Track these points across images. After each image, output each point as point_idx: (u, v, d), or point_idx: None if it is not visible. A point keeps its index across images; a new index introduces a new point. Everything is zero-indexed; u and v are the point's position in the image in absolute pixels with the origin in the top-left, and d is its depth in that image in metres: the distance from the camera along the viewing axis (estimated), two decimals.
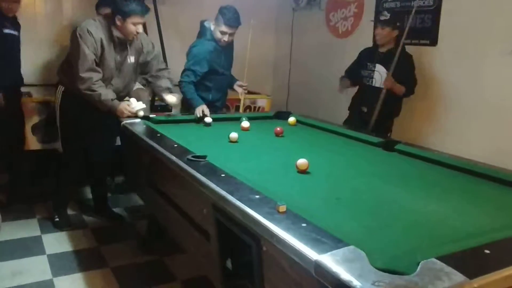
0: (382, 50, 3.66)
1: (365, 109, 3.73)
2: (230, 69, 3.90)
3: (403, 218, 1.66)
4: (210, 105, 3.76)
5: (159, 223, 2.96)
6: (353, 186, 2.01)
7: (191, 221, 2.08)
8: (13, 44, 3.80)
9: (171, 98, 3.35)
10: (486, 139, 3.47)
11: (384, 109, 3.57)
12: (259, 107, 4.87)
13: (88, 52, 3.09)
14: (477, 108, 3.54)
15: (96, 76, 3.12)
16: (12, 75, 3.81)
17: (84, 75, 3.09)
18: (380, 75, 3.63)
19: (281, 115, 3.56)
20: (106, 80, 3.25)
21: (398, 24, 3.60)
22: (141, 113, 3.14)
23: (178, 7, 4.58)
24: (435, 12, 3.79)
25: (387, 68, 3.55)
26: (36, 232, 3.47)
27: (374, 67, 3.67)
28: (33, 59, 4.21)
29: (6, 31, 3.71)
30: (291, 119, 3.32)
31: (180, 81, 3.66)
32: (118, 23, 3.15)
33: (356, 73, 3.82)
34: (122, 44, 3.27)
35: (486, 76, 3.49)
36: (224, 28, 3.54)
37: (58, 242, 3.33)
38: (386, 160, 2.50)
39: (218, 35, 3.59)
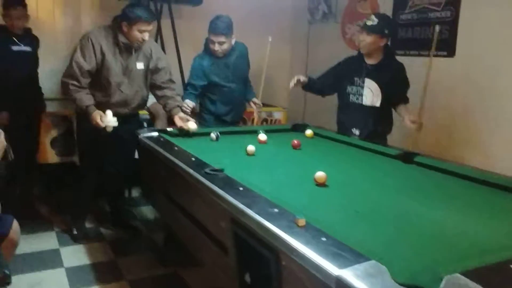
0: (371, 62, 3.25)
1: (357, 132, 3.32)
2: (239, 81, 3.83)
3: (423, 232, 1.63)
4: (218, 119, 3.77)
5: (176, 236, 2.95)
6: (372, 199, 1.98)
7: (208, 234, 2.07)
8: (26, 61, 3.76)
9: (192, 125, 3.19)
10: (507, 150, 3.40)
11: (377, 129, 3.28)
12: (275, 120, 4.88)
13: (78, 60, 3.15)
14: (498, 120, 3.49)
15: (73, 81, 3.18)
16: (26, 94, 3.79)
17: (63, 79, 3.23)
18: (371, 91, 3.22)
19: (298, 128, 3.55)
20: (115, 87, 3.30)
21: (386, 32, 3.16)
22: (110, 129, 3.13)
23: (195, 21, 4.62)
24: (453, 23, 3.77)
25: (379, 84, 3.19)
26: (54, 245, 3.49)
27: (363, 82, 3.25)
28: (52, 73, 4.27)
29: (15, 48, 3.68)
30: (308, 132, 3.31)
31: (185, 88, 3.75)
32: (124, 29, 3.19)
33: (327, 86, 3.48)
34: (128, 50, 3.28)
35: (506, 87, 3.44)
36: (210, 36, 3.54)
37: (75, 255, 3.34)
38: (405, 172, 2.47)
39: (210, 46, 3.59)
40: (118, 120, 3.15)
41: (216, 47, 3.56)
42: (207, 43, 3.63)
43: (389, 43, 3.33)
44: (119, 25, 3.21)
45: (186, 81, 4.35)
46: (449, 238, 1.58)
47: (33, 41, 3.87)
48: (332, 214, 1.75)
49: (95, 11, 4.85)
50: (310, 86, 3.50)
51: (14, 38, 3.71)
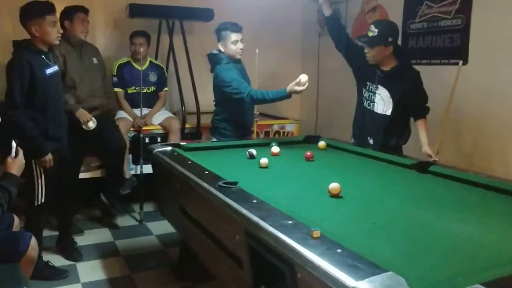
0: (384, 68, 3.16)
1: (371, 141, 3.28)
2: None
3: (441, 243, 1.61)
4: (245, 127, 3.76)
5: (190, 250, 2.95)
6: (387, 210, 1.96)
7: (223, 247, 2.07)
8: (57, 83, 3.30)
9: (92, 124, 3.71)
10: None
11: (390, 142, 3.21)
12: (288, 132, 4.88)
13: None
14: None
15: None
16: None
17: None
18: (382, 99, 3.17)
19: (311, 139, 3.54)
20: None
21: (390, 39, 3.05)
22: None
23: (206, 37, 4.67)
24: (464, 31, 3.75)
25: (391, 92, 3.12)
26: (71, 260, 3.51)
27: (376, 88, 3.20)
28: None
29: (49, 71, 3.13)
30: (321, 143, 3.30)
31: (244, 97, 3.31)
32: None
33: (343, 36, 3.36)
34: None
35: None
36: (234, 36, 3.50)
37: (92, 271, 3.36)
38: (420, 182, 2.45)
39: (232, 48, 3.52)
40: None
41: (241, 45, 3.54)
42: (218, 57, 3.58)
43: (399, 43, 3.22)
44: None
45: (198, 94, 4.40)
46: (467, 249, 1.56)
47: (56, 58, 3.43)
48: (347, 226, 1.74)
49: (109, 29, 4.93)
50: (333, 21, 3.39)
51: (45, 59, 3.14)
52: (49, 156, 3.09)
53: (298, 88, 3.03)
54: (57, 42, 3.16)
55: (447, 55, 3.86)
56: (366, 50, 3.13)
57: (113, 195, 4.25)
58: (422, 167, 2.63)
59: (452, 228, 1.76)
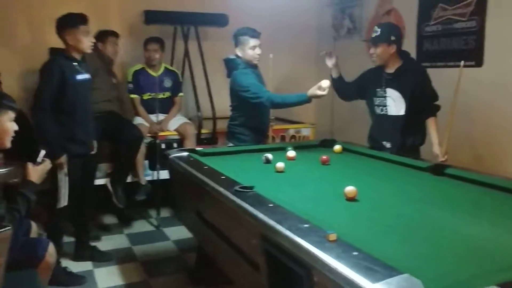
0: (389, 71, 3.21)
1: (388, 145, 3.27)
2: None
3: (457, 245, 1.60)
4: (262, 132, 3.78)
5: (207, 255, 2.97)
6: (403, 213, 1.96)
7: (239, 252, 2.08)
8: (87, 91, 3.40)
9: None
10: None
11: (407, 141, 3.21)
12: (303, 136, 4.88)
13: None
14: None
15: None
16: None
17: None
18: (393, 100, 3.19)
19: (327, 143, 3.54)
20: None
21: (393, 38, 3.12)
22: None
23: (221, 42, 4.72)
24: (479, 33, 3.73)
25: (400, 91, 3.14)
26: (88, 266, 3.55)
27: (385, 92, 3.22)
28: None
29: (80, 77, 3.26)
30: (337, 147, 3.30)
31: (263, 101, 3.32)
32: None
33: (349, 90, 3.48)
34: None
35: None
36: (253, 42, 3.51)
37: (109, 276, 3.39)
38: (436, 185, 2.43)
39: (250, 53, 3.52)
40: None
41: (259, 51, 3.55)
42: (235, 63, 3.61)
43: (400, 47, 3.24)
44: None
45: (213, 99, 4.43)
46: (484, 251, 1.55)
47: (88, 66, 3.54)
48: (363, 229, 1.74)
49: (125, 36, 4.99)
50: (339, 81, 3.51)
51: (76, 65, 3.28)
52: (63, 160, 3.20)
53: (319, 93, 3.03)
54: (89, 50, 3.33)
55: (462, 58, 3.83)
56: (371, 51, 3.20)
57: (117, 187, 4.15)
58: (438, 169, 2.62)
59: (468, 229, 1.75)
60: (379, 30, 3.14)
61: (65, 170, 3.23)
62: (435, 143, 3.11)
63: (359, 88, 3.44)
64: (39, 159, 2.46)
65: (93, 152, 3.55)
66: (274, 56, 3.73)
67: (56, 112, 3.18)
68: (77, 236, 3.70)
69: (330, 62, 3.53)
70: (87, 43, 3.25)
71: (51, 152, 3.09)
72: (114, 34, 4.33)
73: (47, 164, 2.51)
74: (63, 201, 3.24)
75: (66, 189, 3.24)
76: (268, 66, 3.78)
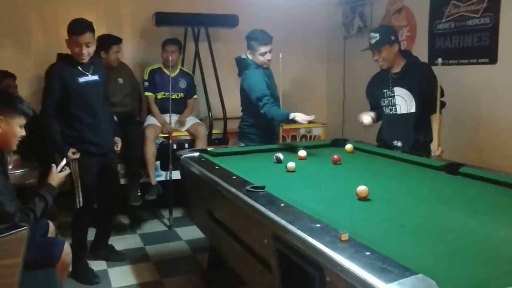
0: (395, 71, 3.23)
1: (398, 143, 3.28)
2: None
3: (472, 245, 1.58)
4: (273, 132, 3.77)
5: (220, 255, 2.97)
6: (417, 212, 1.94)
7: (251, 252, 2.08)
8: (96, 93, 3.34)
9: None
10: None
11: (419, 139, 3.20)
12: (315, 136, 4.87)
13: None
14: None
15: None
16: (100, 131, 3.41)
17: None
18: (403, 98, 3.20)
19: (338, 143, 3.53)
20: None
21: (393, 38, 3.15)
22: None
23: (231, 43, 4.73)
24: (493, 29, 3.68)
25: (408, 88, 3.15)
26: (103, 266, 3.58)
27: (393, 92, 3.24)
28: None
29: (83, 80, 3.25)
30: (348, 146, 3.28)
31: (263, 113, 3.43)
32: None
33: (375, 106, 3.44)
34: None
35: None
36: (263, 49, 3.54)
37: (123, 276, 3.42)
38: (450, 184, 2.40)
39: (260, 59, 3.57)
40: None
41: (269, 56, 3.59)
42: (246, 62, 3.62)
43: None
44: None
45: (224, 100, 4.43)
46: (500, 251, 1.52)
47: (101, 70, 3.49)
48: (375, 228, 1.73)
49: (137, 37, 5.03)
50: (378, 116, 3.44)
51: (79, 69, 3.26)
52: (70, 153, 3.22)
53: (299, 118, 3.18)
54: (83, 60, 3.22)
55: (476, 55, 3.80)
56: (375, 57, 3.20)
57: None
58: (452, 168, 2.58)
59: (484, 230, 1.73)
60: (377, 34, 3.14)
61: (77, 170, 3.28)
62: (435, 139, 3.11)
63: (374, 100, 3.47)
64: (60, 166, 2.61)
65: (115, 151, 3.62)
66: (284, 56, 3.72)
67: (65, 115, 3.24)
68: (97, 236, 3.74)
69: (366, 120, 3.38)
70: (77, 52, 3.17)
71: (58, 150, 3.25)
72: (117, 42, 4.32)
73: (67, 173, 2.66)
74: (79, 202, 3.31)
75: (79, 191, 3.29)
76: (278, 66, 3.77)
